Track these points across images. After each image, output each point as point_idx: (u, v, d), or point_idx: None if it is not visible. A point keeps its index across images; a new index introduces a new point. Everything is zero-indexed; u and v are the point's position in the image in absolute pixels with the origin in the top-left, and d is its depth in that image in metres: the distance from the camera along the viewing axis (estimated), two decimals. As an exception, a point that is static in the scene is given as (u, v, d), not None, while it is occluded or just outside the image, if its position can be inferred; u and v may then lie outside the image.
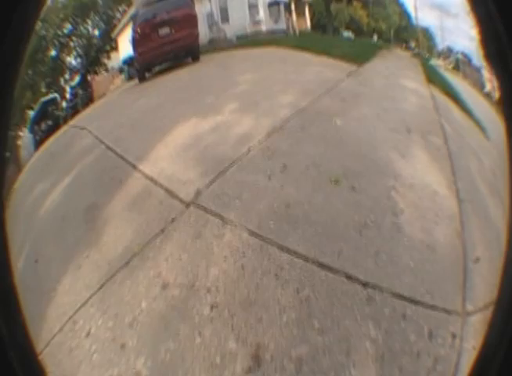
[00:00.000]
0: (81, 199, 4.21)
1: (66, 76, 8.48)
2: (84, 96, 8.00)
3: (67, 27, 8.60)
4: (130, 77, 8.09)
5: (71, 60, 8.76)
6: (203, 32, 8.07)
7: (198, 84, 6.64)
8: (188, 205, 3.37)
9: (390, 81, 7.09)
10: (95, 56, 8.81)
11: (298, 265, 2.71)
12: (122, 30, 8.61)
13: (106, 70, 8.87)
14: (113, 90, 8.42)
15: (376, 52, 11.06)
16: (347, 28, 18.38)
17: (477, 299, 2.59)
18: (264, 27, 11.70)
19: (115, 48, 8.78)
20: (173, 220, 3.25)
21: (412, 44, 22.23)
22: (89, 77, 8.52)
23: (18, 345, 1.14)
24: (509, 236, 1.17)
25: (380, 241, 2.91)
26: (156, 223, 3.27)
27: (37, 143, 7.17)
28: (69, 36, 8.66)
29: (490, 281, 2.61)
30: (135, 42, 7.37)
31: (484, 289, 2.68)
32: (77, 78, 8.52)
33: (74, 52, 8.76)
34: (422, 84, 7.67)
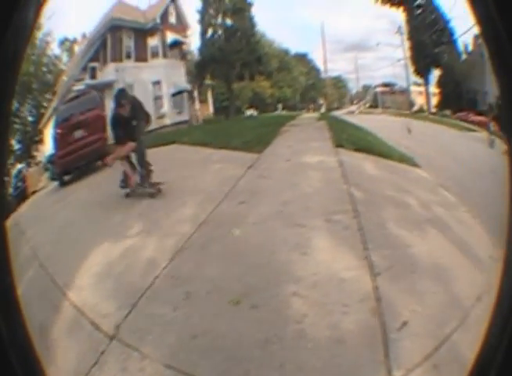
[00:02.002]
0: (35, 314, 4.27)
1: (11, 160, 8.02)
2: (20, 190, 7.87)
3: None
4: (53, 178, 8.00)
5: (14, 143, 8.42)
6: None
7: (107, 199, 6.55)
8: (111, 338, 3.47)
9: (293, 163, 6.88)
10: (28, 145, 8.60)
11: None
12: (47, 122, 8.57)
13: (36, 163, 8.67)
14: (42, 187, 8.25)
15: (279, 128, 10.67)
16: (251, 105, 17.87)
17: (406, 361, 2.73)
18: (168, 121, 11.92)
19: (42, 141, 8.61)
20: (102, 352, 3.33)
21: (321, 100, 21.38)
22: (24, 170, 8.35)
23: (18, 345, 1.22)
24: (509, 236, 1.25)
25: (284, 353, 2.99)
26: (90, 354, 3.35)
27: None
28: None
29: (423, 334, 2.93)
30: (55, 144, 7.37)
31: (418, 346, 2.87)
32: (17, 166, 8.28)
33: (16, 136, 8.47)
34: (329, 153, 7.53)
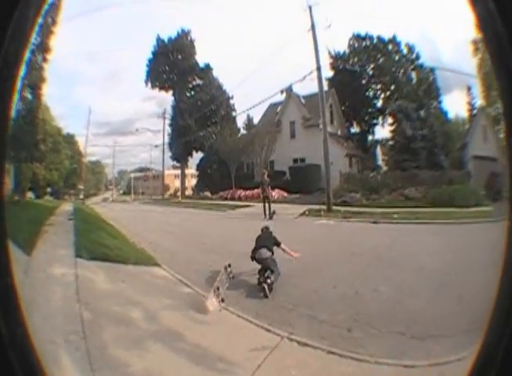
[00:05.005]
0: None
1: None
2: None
3: None
4: None
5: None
6: None
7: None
8: None
9: (46, 275, 6.63)
10: None
11: None
12: None
13: None
14: None
15: (41, 227, 10.87)
16: (30, 188, 18.86)
17: None
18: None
19: None
20: None
21: (81, 185, 23.50)
22: None
23: (18, 345, 1.21)
24: (508, 236, 1.21)
25: None
26: None
27: None
28: None
29: None
30: None
31: None
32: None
33: None
34: (69, 265, 7.38)
